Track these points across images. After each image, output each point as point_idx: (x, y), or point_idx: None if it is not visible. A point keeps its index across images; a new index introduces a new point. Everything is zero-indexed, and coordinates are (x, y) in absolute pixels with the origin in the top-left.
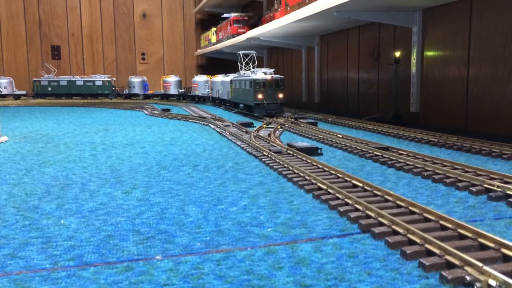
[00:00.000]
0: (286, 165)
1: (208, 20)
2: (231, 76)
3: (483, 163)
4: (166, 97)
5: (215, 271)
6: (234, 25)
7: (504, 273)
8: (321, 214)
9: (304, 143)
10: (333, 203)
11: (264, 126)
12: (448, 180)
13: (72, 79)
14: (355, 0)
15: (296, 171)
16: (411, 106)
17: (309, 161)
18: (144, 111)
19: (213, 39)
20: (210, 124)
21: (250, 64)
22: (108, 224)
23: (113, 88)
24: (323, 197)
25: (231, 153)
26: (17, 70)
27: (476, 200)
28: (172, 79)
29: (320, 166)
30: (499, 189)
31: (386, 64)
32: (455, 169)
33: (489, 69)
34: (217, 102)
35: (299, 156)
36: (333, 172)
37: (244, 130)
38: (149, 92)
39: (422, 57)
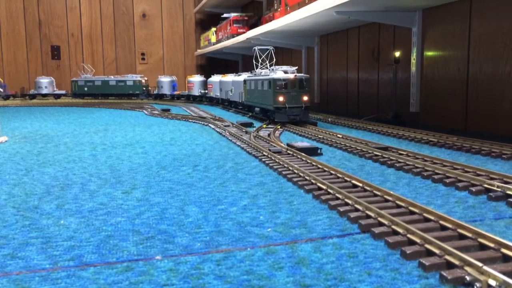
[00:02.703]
0: (286, 165)
1: (208, 20)
2: (245, 76)
3: (483, 163)
4: (193, 98)
5: (215, 271)
6: (234, 25)
7: (504, 273)
8: (321, 214)
9: (304, 143)
10: (333, 203)
11: (264, 126)
12: (448, 180)
13: (105, 79)
14: (355, 0)
15: (296, 171)
16: (411, 106)
17: (309, 161)
18: (144, 111)
19: (213, 39)
20: (210, 124)
21: (267, 62)
22: (108, 224)
23: (144, 88)
24: (323, 197)
25: (231, 153)
26: (16, 70)
27: (476, 200)
28: (196, 79)
29: (320, 166)
30: (499, 189)
31: (386, 64)
32: (455, 169)
33: (489, 69)
34: (226, 104)
35: (299, 156)
36: (333, 172)
37: (244, 130)
38: (176, 92)
39: (422, 57)
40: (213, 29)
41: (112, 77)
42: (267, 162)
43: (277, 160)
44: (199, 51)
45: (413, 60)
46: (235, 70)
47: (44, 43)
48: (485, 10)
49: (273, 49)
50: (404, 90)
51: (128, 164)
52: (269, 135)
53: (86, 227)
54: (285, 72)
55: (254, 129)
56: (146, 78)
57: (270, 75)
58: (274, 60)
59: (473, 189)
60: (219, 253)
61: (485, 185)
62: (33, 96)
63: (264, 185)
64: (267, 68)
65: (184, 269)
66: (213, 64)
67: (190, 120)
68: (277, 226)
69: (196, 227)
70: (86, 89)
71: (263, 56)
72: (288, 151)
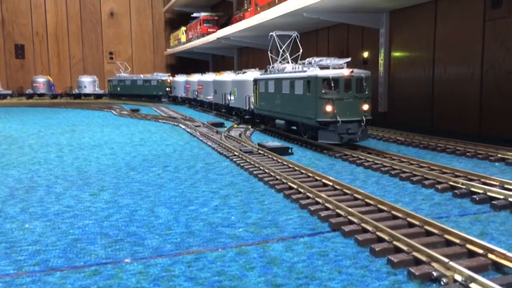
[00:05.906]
0: (257, 165)
1: (178, 20)
2: (254, 73)
3: (448, 161)
4: (188, 101)
5: (185, 273)
6: (204, 24)
7: (469, 268)
8: (292, 213)
9: (275, 143)
10: (303, 202)
11: (235, 126)
12: (415, 178)
13: (134, 78)
14: (324, 1)
15: (267, 170)
16: (379, 106)
17: (280, 160)
18: (113, 111)
19: (183, 38)
20: (180, 125)
21: (287, 54)
22: (75, 228)
23: (168, 89)
24: (294, 196)
25: (201, 153)
26: None
27: (442, 197)
28: (194, 79)
29: (290, 165)
30: (464, 187)
31: (355, 65)
32: (421, 167)
33: (454, 70)
34: (223, 111)
35: (270, 156)
36: (303, 171)
37: (214, 130)
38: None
39: (390, 58)
40: (183, 28)
41: (141, 76)
42: (238, 162)
43: (248, 160)
44: (169, 51)
45: (381, 61)
46: (205, 69)
47: (8, 41)
48: (450, 12)
49: (297, 35)
50: (372, 90)
51: (96, 165)
52: (240, 135)
53: (52, 230)
54: (323, 67)
55: (225, 129)
56: (171, 78)
57: (309, 72)
58: (301, 51)
59: (439, 186)
60: (190, 254)
61: (450, 183)
62: (77, 96)
63: (235, 185)
64: (289, 62)
65: (154, 272)
66: (183, 63)
67: (160, 121)
68: (248, 226)
69: (167, 228)
70: (119, 88)
71: (284, 47)
72: (259, 151)
